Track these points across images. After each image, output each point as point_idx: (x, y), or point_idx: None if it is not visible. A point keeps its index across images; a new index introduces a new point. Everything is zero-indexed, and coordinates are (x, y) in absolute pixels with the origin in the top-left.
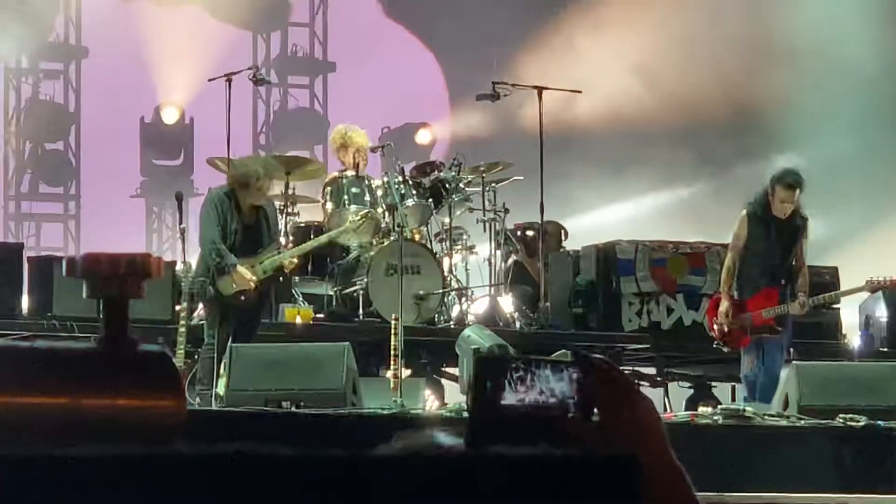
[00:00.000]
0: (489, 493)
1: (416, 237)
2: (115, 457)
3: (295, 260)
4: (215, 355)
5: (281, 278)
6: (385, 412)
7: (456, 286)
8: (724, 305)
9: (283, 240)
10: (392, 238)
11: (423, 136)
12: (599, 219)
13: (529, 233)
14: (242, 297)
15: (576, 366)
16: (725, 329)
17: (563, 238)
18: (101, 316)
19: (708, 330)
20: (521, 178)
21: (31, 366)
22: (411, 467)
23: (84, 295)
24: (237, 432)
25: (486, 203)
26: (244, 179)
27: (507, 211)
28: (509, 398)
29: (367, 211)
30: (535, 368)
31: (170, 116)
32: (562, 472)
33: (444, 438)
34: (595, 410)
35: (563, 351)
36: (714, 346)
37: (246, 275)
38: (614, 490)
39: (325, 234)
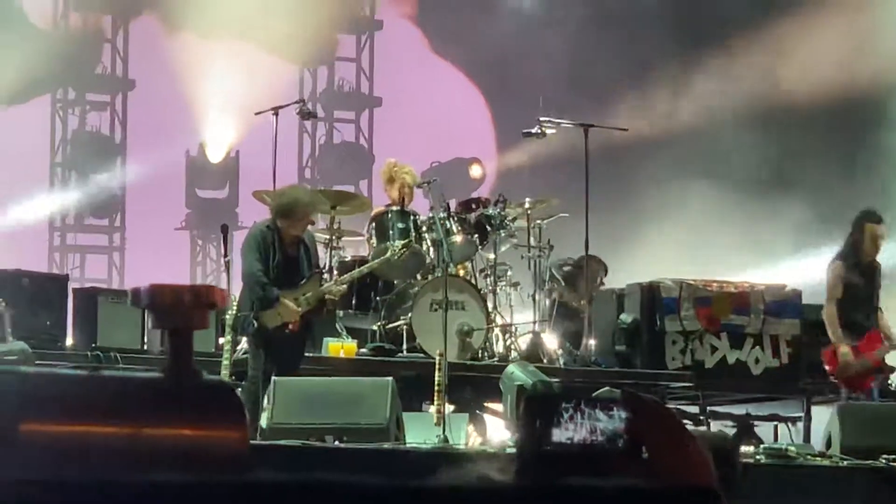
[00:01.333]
0: None
1: (461, 273)
2: (183, 484)
3: (342, 288)
4: (259, 388)
5: (324, 310)
6: (428, 447)
7: (500, 322)
8: (845, 353)
9: (327, 274)
10: (437, 274)
11: (475, 171)
12: (645, 256)
13: (566, 268)
14: (286, 330)
15: (624, 404)
16: (852, 375)
17: (604, 275)
18: (166, 346)
19: (836, 381)
20: (566, 214)
21: (96, 395)
22: (463, 500)
23: (149, 326)
24: (280, 465)
25: (531, 239)
26: (289, 208)
27: (551, 247)
28: (558, 436)
29: (408, 240)
30: (583, 407)
31: (215, 154)
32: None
33: (491, 473)
34: (643, 448)
35: (607, 388)
36: (848, 398)
37: (290, 307)
38: None
39: (367, 265)
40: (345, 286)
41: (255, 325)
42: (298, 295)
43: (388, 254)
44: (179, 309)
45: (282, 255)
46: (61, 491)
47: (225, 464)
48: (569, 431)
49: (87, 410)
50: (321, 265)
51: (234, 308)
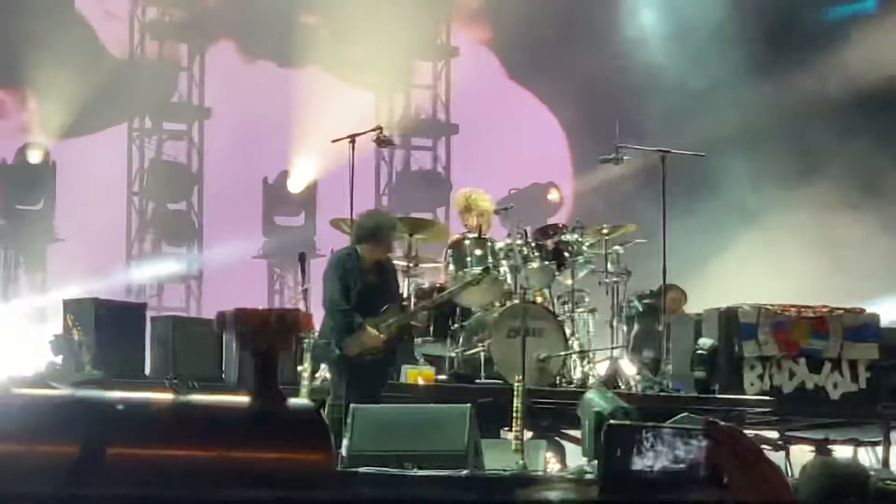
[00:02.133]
0: None
1: (539, 299)
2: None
3: (425, 314)
4: (342, 416)
5: (405, 337)
6: (507, 473)
7: (578, 349)
8: None
9: (405, 302)
10: (514, 300)
11: (552, 196)
12: (722, 281)
13: (646, 300)
14: (369, 357)
15: (704, 433)
16: None
17: (684, 302)
18: (246, 373)
19: None
20: (644, 241)
21: (185, 418)
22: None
23: (234, 350)
24: (361, 492)
25: (609, 265)
26: (373, 231)
27: (629, 273)
28: (639, 464)
29: (485, 266)
30: (664, 436)
31: (293, 182)
32: None
33: (570, 497)
34: (724, 478)
35: (685, 414)
36: None
37: (373, 334)
38: None
39: (447, 291)
40: (428, 311)
41: (338, 352)
42: (380, 322)
43: (468, 278)
44: (265, 332)
45: (363, 282)
46: None
47: (312, 486)
48: (649, 460)
49: (176, 434)
50: (401, 292)
51: (314, 335)
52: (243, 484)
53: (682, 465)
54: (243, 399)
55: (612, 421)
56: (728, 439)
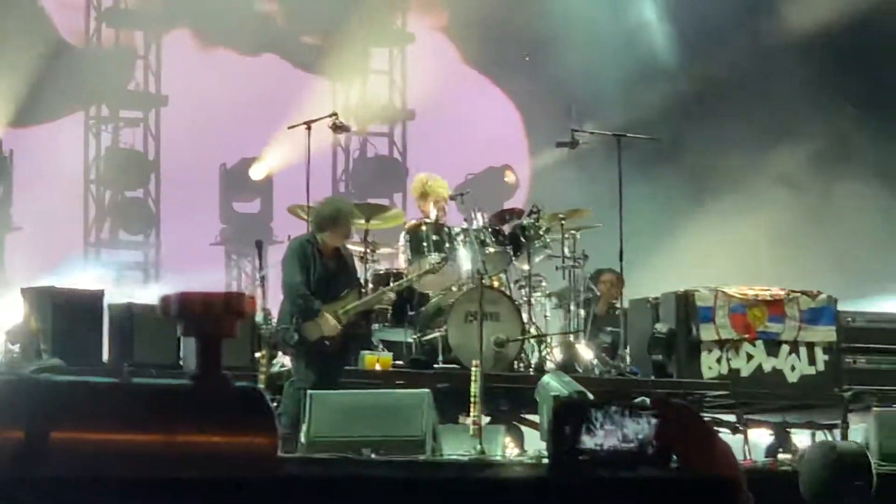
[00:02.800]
0: None
1: (496, 284)
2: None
3: (392, 296)
4: (300, 401)
5: (364, 322)
6: (465, 458)
7: (535, 333)
8: None
9: (363, 288)
10: (471, 285)
11: (509, 178)
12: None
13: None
14: (327, 343)
15: (655, 411)
16: None
17: (618, 285)
18: (196, 355)
19: None
20: (601, 225)
21: (128, 402)
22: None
23: (178, 334)
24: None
25: (566, 250)
26: (331, 217)
27: (586, 257)
28: (588, 443)
29: (445, 255)
30: (613, 414)
31: (249, 169)
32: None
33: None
34: (673, 455)
35: (642, 398)
36: None
37: (331, 320)
38: None
39: (406, 279)
40: (393, 295)
41: (296, 337)
42: (338, 308)
43: (428, 267)
44: (209, 316)
45: (322, 269)
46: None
47: (254, 470)
48: (598, 438)
49: (117, 418)
50: (359, 279)
51: (273, 322)
52: (186, 467)
53: (631, 443)
54: (186, 383)
55: (560, 397)
56: (678, 417)
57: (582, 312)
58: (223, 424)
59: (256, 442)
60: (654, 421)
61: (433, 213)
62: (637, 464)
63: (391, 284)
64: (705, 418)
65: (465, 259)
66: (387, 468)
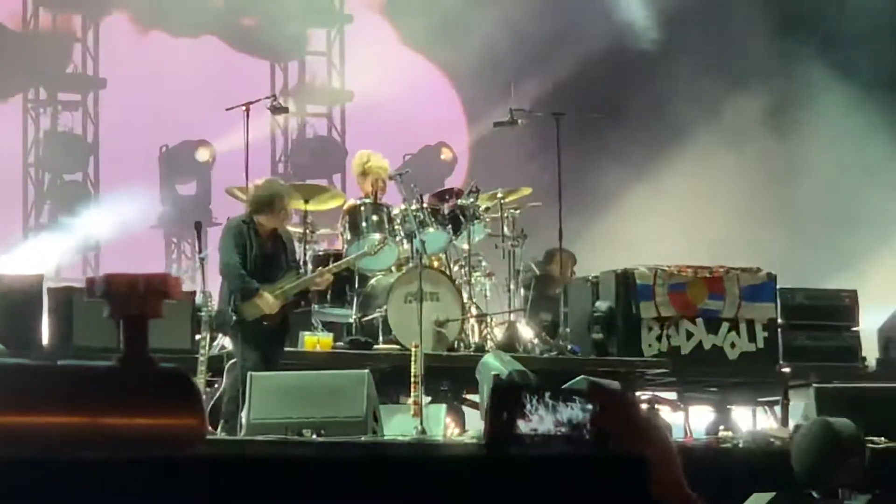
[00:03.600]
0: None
1: (436, 264)
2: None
3: (329, 278)
4: (240, 383)
5: (302, 302)
6: (406, 439)
7: (475, 313)
8: None
9: (301, 269)
10: (411, 265)
11: (444, 154)
12: (621, 243)
13: (539, 262)
14: (265, 323)
15: (590, 396)
16: None
17: (573, 265)
18: (122, 336)
19: None
20: (539, 203)
21: (52, 384)
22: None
23: (104, 314)
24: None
25: (505, 229)
26: (267, 201)
27: (525, 237)
28: (524, 428)
29: (384, 236)
30: (549, 399)
31: (187, 151)
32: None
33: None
34: (608, 441)
35: (583, 377)
36: None
37: (269, 299)
38: (624, 483)
39: (345, 260)
40: (331, 276)
41: (235, 318)
42: (276, 288)
43: (366, 247)
44: (134, 297)
45: (259, 250)
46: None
47: (180, 450)
48: (533, 423)
49: (38, 399)
50: (297, 259)
51: (212, 304)
52: (112, 449)
53: (566, 428)
54: (111, 365)
55: (495, 381)
56: (612, 401)
57: (522, 292)
58: (149, 406)
59: (182, 423)
60: (588, 406)
61: (376, 191)
62: (572, 448)
63: (330, 265)
64: (646, 396)
65: (404, 239)
66: (322, 449)
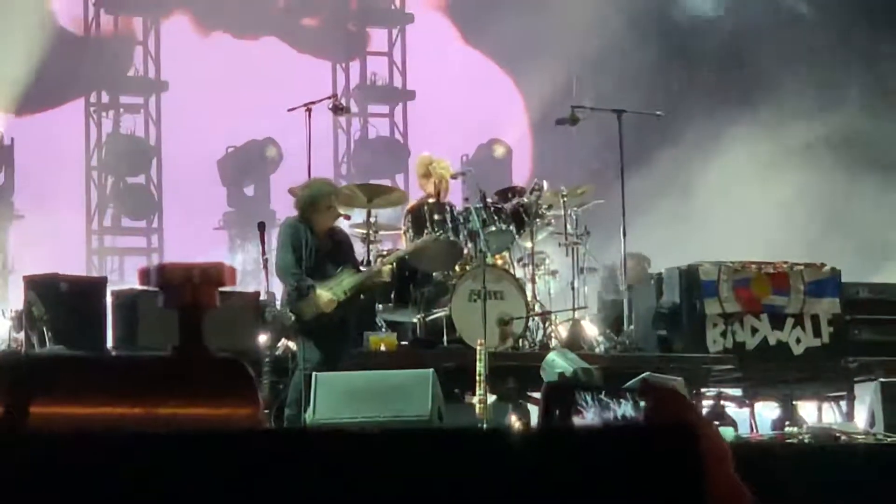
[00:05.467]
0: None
1: (499, 262)
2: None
3: (389, 268)
4: (302, 385)
5: (362, 296)
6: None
7: (539, 310)
8: None
9: (365, 267)
10: (474, 264)
11: (498, 152)
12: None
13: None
14: (324, 321)
15: (643, 394)
16: None
17: (648, 266)
18: (178, 327)
19: None
20: (602, 201)
21: (109, 375)
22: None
23: (158, 304)
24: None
25: (568, 227)
26: (312, 199)
27: (588, 234)
28: (577, 424)
29: (444, 231)
30: (602, 397)
31: (252, 153)
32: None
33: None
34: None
35: (648, 374)
36: None
37: (325, 296)
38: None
39: (402, 250)
40: (389, 267)
41: (292, 318)
42: (333, 285)
43: (425, 237)
44: (188, 287)
45: (315, 249)
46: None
47: (237, 440)
48: (587, 420)
49: (96, 390)
50: (358, 259)
51: (276, 305)
52: (167, 440)
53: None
54: (167, 355)
55: (548, 381)
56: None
57: (587, 289)
58: (204, 395)
59: (239, 413)
60: (641, 403)
61: (439, 191)
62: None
63: (388, 257)
64: (712, 392)
65: (468, 238)
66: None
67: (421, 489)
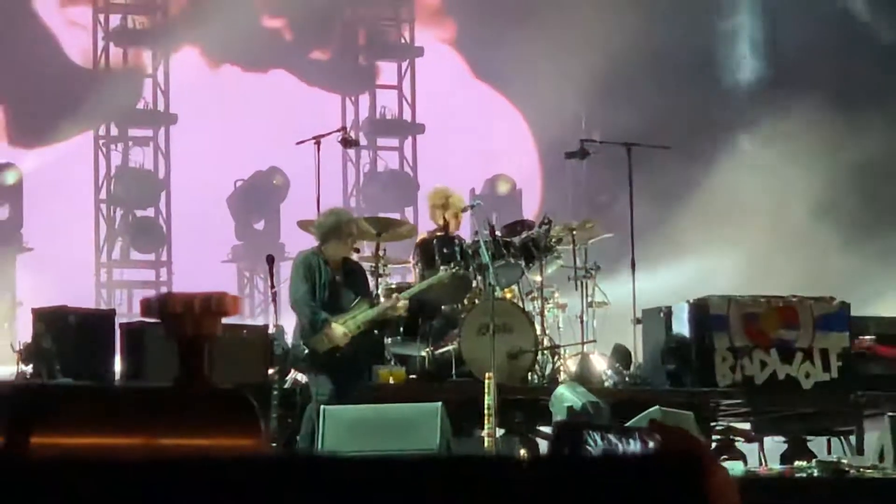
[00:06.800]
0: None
1: (508, 296)
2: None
3: (405, 302)
4: (314, 419)
5: (376, 331)
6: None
7: (548, 344)
8: None
9: (374, 300)
10: (483, 298)
11: (502, 188)
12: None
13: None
14: (337, 354)
15: (651, 434)
16: None
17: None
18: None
19: None
20: (611, 235)
21: (110, 406)
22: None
23: (162, 334)
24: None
25: (577, 261)
26: (334, 226)
27: (598, 268)
28: None
29: (456, 265)
30: (611, 435)
31: (260, 186)
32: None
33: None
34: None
35: (657, 408)
36: None
37: (338, 330)
38: (678, 482)
39: (417, 286)
40: (406, 301)
41: (306, 351)
42: (347, 319)
43: (441, 273)
44: (189, 317)
45: (329, 281)
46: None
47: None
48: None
49: (97, 420)
50: (369, 290)
51: (286, 338)
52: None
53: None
54: (169, 386)
55: (558, 419)
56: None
57: (595, 323)
58: (206, 426)
59: (241, 444)
60: (650, 443)
61: (450, 224)
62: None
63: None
64: (721, 426)
65: (477, 272)
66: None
67: None
